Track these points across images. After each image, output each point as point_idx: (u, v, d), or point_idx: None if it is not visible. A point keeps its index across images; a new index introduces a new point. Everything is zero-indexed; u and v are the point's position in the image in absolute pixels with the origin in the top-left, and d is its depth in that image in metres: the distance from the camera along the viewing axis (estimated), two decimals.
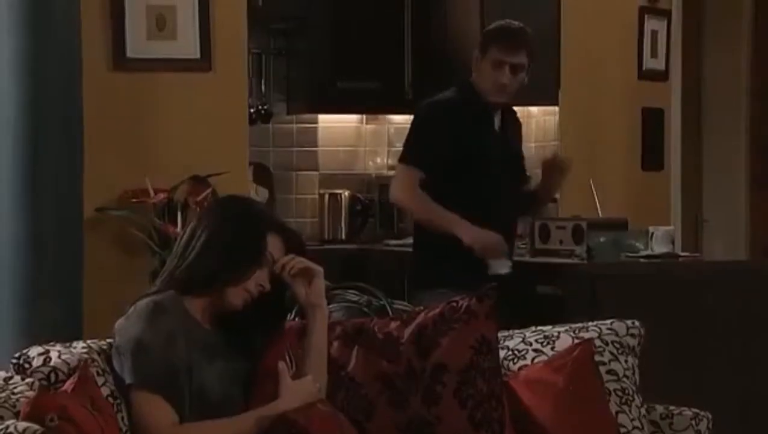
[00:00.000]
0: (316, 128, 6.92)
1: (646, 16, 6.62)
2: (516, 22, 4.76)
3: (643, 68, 6.62)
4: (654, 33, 6.67)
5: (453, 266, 4.56)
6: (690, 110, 7.27)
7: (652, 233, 5.30)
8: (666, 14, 6.75)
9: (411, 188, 4.65)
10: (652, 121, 6.68)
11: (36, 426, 2.46)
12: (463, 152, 4.64)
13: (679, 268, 5.26)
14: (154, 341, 2.81)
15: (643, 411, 3.25)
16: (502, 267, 4.54)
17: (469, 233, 4.56)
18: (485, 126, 4.72)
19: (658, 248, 5.26)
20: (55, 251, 4.75)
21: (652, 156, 6.69)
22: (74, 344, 2.87)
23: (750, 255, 7.30)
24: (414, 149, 4.74)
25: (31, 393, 2.66)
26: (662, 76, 6.75)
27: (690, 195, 7.36)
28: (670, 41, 6.77)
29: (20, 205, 4.73)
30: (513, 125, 4.90)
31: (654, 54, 6.68)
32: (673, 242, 5.39)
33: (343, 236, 6.74)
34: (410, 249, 6.14)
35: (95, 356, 2.83)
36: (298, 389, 2.90)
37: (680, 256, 5.47)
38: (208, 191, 5.17)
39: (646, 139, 6.66)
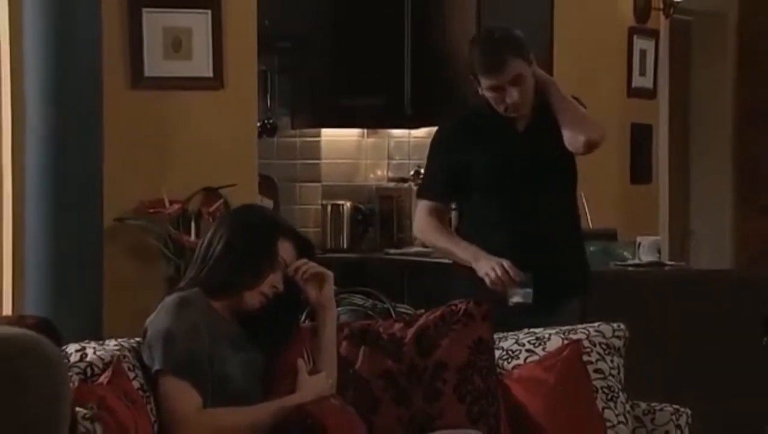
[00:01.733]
0: (319, 141, 6.89)
1: (634, 36, 6.67)
2: (495, 31, 4.09)
3: (632, 86, 6.65)
4: (642, 52, 6.71)
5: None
6: (677, 125, 7.30)
7: (640, 243, 5.36)
8: (654, 34, 6.80)
9: (423, 222, 4.16)
10: (641, 136, 6.71)
11: (84, 410, 2.58)
12: (471, 168, 4.07)
13: (664, 276, 5.31)
14: (181, 331, 2.90)
15: (627, 407, 3.31)
16: (519, 296, 3.91)
17: (481, 265, 3.95)
18: (501, 133, 4.07)
19: (646, 257, 5.32)
20: (77, 258, 4.79)
21: (640, 170, 6.71)
22: (107, 342, 2.98)
23: (735, 266, 7.29)
24: (423, 180, 4.32)
25: (70, 385, 2.66)
26: (650, 93, 6.79)
27: (677, 208, 7.37)
28: (658, 60, 6.80)
29: (44, 215, 4.78)
30: (551, 119, 4.07)
31: (643, 72, 6.71)
32: (659, 252, 5.45)
33: (345, 245, 6.70)
34: (411, 258, 6.08)
35: (126, 353, 2.93)
36: (314, 384, 2.98)
37: (666, 265, 5.53)
38: (220, 202, 5.23)
39: (635, 153, 6.67)
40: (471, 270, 4.00)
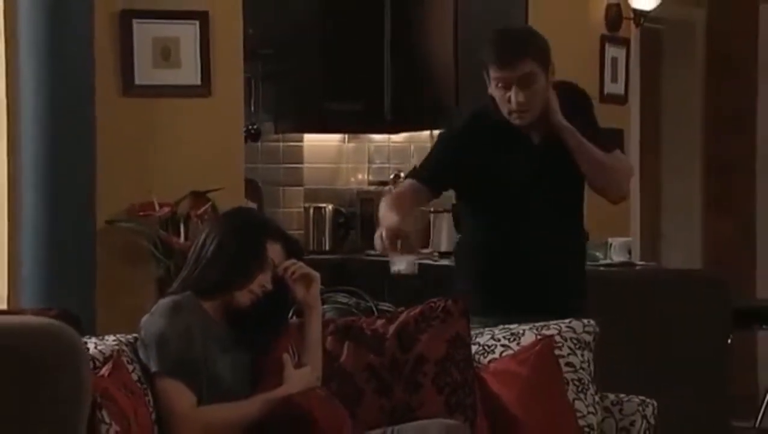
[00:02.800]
0: (301, 146, 6.94)
1: (606, 44, 6.73)
2: (515, 28, 3.86)
3: (605, 92, 6.69)
4: (614, 60, 6.77)
5: (482, 293, 3.76)
6: (648, 131, 7.34)
7: (611, 244, 5.47)
8: (625, 42, 6.86)
9: (390, 194, 3.89)
10: (613, 141, 6.89)
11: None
12: (477, 170, 3.75)
13: (634, 275, 5.39)
14: (174, 334, 2.98)
15: (596, 398, 3.40)
16: (401, 264, 3.61)
17: (382, 223, 3.59)
18: (516, 142, 3.74)
19: (617, 257, 5.44)
20: (70, 259, 4.85)
21: None
22: (106, 337, 3.08)
23: (704, 267, 7.32)
24: (419, 165, 3.92)
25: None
26: (622, 99, 6.84)
27: (649, 211, 7.44)
28: (629, 67, 6.86)
29: (39, 217, 4.84)
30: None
31: (614, 79, 6.77)
32: (630, 252, 5.55)
33: (327, 247, 6.76)
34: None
35: (124, 348, 3.03)
36: (300, 377, 3.08)
37: (637, 265, 5.62)
38: (208, 205, 5.28)
39: None
40: (470, 273, 3.85)
